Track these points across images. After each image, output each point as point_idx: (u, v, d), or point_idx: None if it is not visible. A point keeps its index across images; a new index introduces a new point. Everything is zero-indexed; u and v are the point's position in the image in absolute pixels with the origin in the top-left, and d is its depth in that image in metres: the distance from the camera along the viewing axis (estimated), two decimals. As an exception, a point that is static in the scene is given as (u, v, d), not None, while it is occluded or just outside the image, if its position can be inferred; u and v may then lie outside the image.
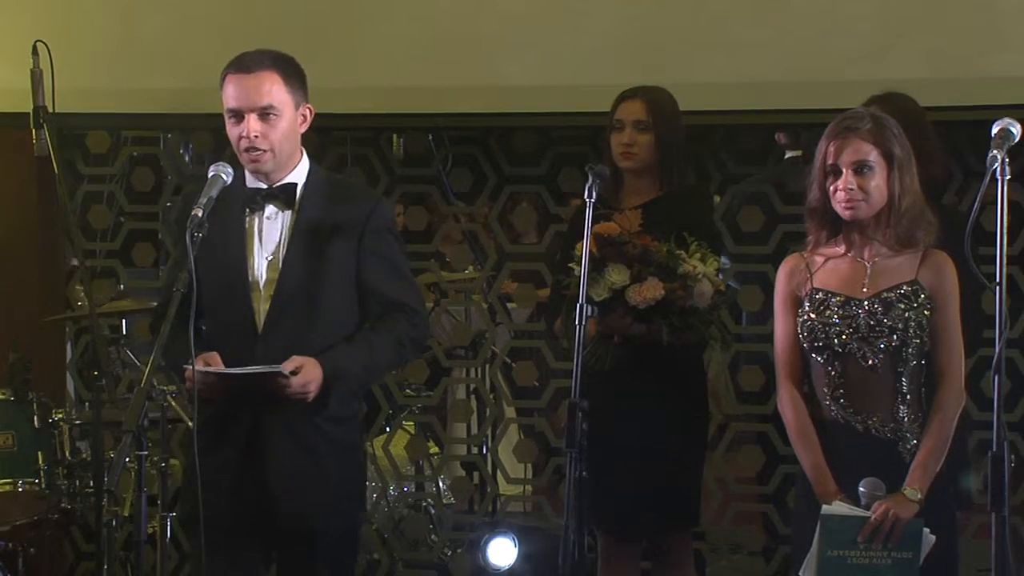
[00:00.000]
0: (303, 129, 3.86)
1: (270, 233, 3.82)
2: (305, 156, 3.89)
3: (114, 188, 5.92)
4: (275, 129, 3.77)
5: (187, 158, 6.25)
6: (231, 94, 3.78)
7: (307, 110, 3.86)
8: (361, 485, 4.05)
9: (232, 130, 3.80)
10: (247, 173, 3.84)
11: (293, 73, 3.83)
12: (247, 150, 3.77)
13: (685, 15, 5.24)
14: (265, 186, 3.82)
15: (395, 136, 6.20)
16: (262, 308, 3.79)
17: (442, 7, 5.39)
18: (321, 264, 3.80)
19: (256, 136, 3.75)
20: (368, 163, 5.90)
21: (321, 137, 5.85)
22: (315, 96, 5.32)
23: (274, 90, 3.77)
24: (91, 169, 5.95)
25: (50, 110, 4.82)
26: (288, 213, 3.83)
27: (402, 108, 5.47)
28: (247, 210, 3.82)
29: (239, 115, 3.77)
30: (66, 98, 4.82)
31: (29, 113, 4.85)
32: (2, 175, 5.84)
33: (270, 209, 3.83)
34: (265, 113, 3.76)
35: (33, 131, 4.83)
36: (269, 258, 3.81)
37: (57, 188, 4.87)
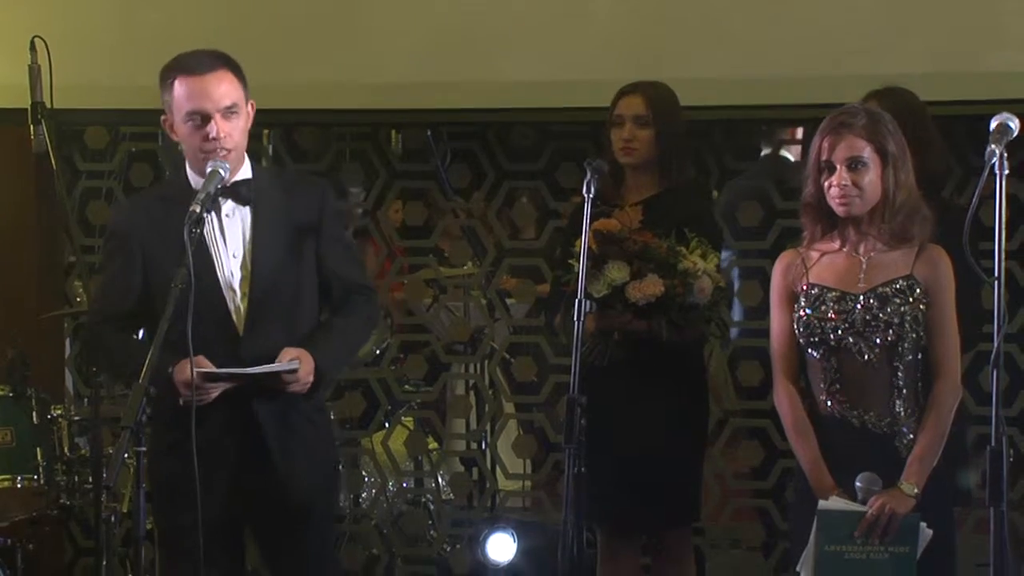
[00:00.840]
0: (249, 125, 3.86)
1: (232, 231, 3.81)
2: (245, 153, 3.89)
3: (112, 184, 5.91)
4: (237, 128, 3.78)
5: (185, 155, 6.23)
6: (188, 96, 3.74)
7: (251, 106, 3.86)
8: (338, 471, 4.20)
9: (194, 133, 3.75)
10: (190, 175, 3.80)
11: (239, 70, 3.83)
12: (214, 151, 3.73)
13: (684, 10, 5.23)
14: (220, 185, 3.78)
15: (394, 132, 6.20)
16: (241, 308, 3.79)
17: (441, 3, 5.38)
18: (288, 255, 3.83)
19: (225, 136, 3.74)
20: (367, 159, 5.89)
21: (320, 133, 5.86)
22: (314, 92, 5.38)
23: (232, 89, 3.77)
24: (89, 165, 5.94)
25: (48, 106, 4.81)
26: (246, 209, 3.82)
27: (401, 104, 5.47)
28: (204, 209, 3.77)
29: (203, 117, 3.73)
30: (64, 94, 4.81)
31: (27, 109, 4.84)
32: (0, 171, 5.83)
33: (228, 206, 3.81)
34: (229, 112, 3.75)
35: (31, 127, 4.83)
36: (237, 257, 3.81)
37: (55, 184, 4.86)
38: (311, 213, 3.86)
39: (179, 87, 3.76)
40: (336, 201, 4.03)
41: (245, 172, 3.85)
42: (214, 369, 3.64)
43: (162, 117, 3.84)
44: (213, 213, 3.78)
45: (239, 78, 3.80)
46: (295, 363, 3.69)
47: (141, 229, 3.83)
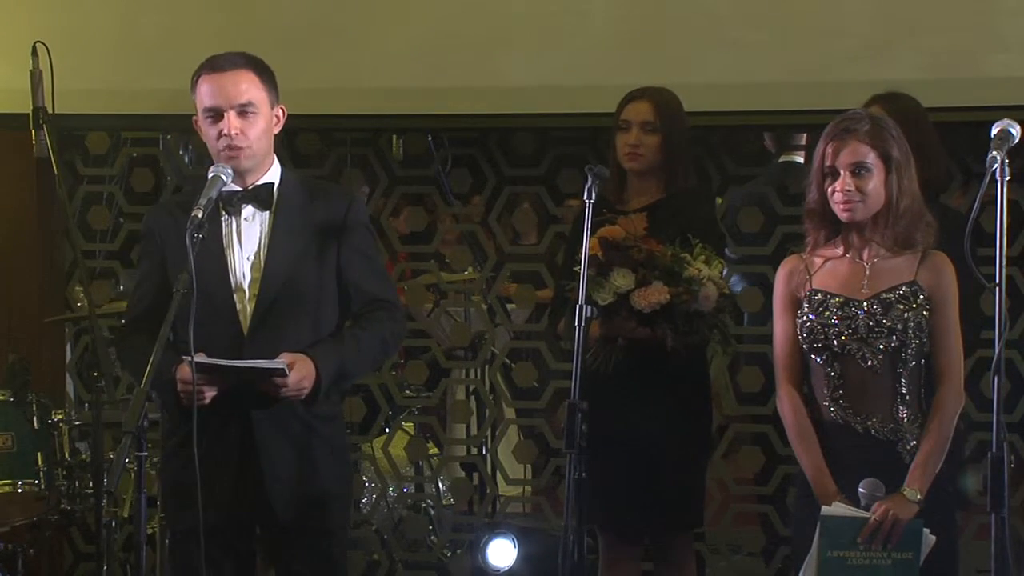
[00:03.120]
0: (276, 130, 3.87)
1: (249, 235, 3.81)
2: (275, 157, 3.89)
3: (113, 189, 5.92)
4: (254, 127, 3.77)
5: (187, 159, 6.24)
6: (207, 93, 3.78)
7: (280, 111, 3.87)
8: (351, 484, 4.10)
9: (210, 130, 3.78)
10: None
11: (266, 73, 3.84)
12: (227, 147, 3.75)
13: (685, 15, 5.23)
14: (239, 188, 3.80)
15: (395, 137, 6.20)
16: (247, 309, 3.79)
17: (442, 8, 5.38)
18: (304, 262, 3.82)
19: (236, 133, 3.74)
20: (368, 164, 5.90)
21: (321, 138, 5.86)
22: (315, 97, 5.37)
23: (251, 88, 3.78)
24: (90, 170, 5.95)
25: (50, 111, 4.82)
26: (266, 214, 3.82)
27: (402, 109, 5.47)
28: (223, 213, 3.79)
29: (218, 113, 3.76)
30: (66, 99, 4.81)
31: (29, 114, 4.85)
32: (2, 176, 5.84)
33: (248, 210, 3.81)
34: (244, 110, 3.76)
35: (33, 132, 4.83)
36: (250, 259, 3.80)
37: (57, 189, 4.87)
38: (334, 222, 3.85)
39: (201, 84, 3.80)
40: (364, 213, 4.00)
41: (271, 176, 3.85)
42: (205, 360, 3.61)
43: (194, 117, 3.87)
44: (232, 216, 3.80)
45: (263, 80, 3.81)
46: (282, 362, 3.66)
47: (164, 232, 3.85)
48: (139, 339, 3.84)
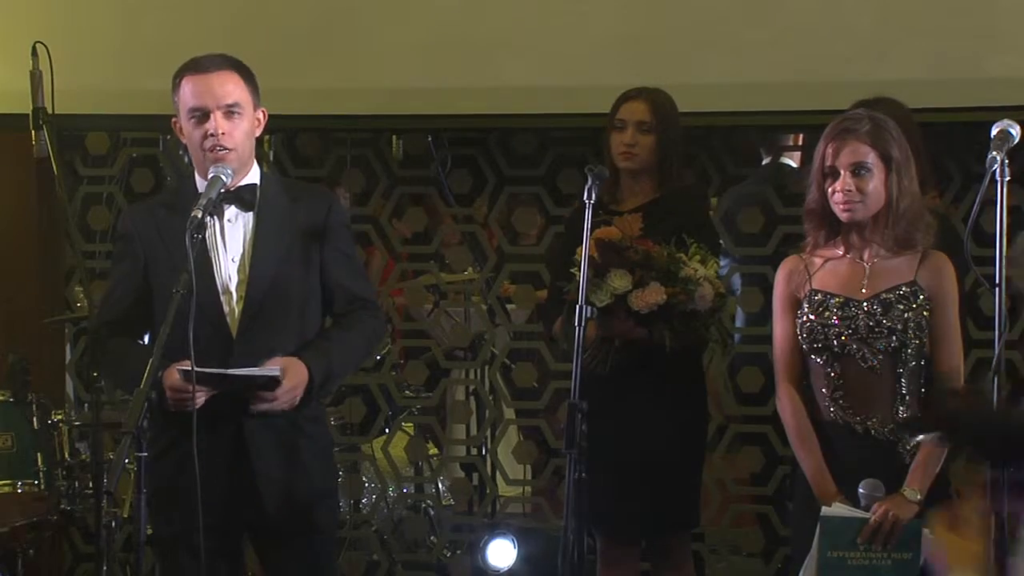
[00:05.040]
0: (258, 133, 3.86)
1: (233, 236, 3.80)
2: (254, 159, 3.89)
3: (113, 189, 5.92)
4: (239, 128, 3.76)
5: (186, 159, 6.22)
6: (192, 93, 3.76)
7: (261, 114, 3.86)
8: (336, 483, 4.10)
9: (195, 131, 3.76)
10: (198, 182, 3.79)
11: (249, 75, 3.83)
12: (212, 148, 3.74)
13: (685, 16, 5.24)
14: (222, 189, 3.77)
15: (394, 137, 6.20)
16: (235, 311, 3.77)
17: (442, 9, 5.39)
18: (288, 263, 3.81)
19: (223, 133, 3.73)
20: (367, 164, 5.90)
21: (321, 138, 5.87)
22: (315, 97, 5.38)
23: (236, 89, 3.77)
24: (90, 170, 5.95)
25: (50, 111, 4.81)
26: (249, 215, 3.81)
27: (402, 109, 5.47)
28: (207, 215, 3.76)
29: (204, 114, 3.74)
30: (65, 99, 4.80)
31: (29, 114, 4.84)
32: (2, 176, 5.84)
33: (231, 212, 3.80)
34: (230, 111, 3.75)
35: (33, 132, 4.83)
36: (236, 261, 3.79)
37: (57, 189, 4.86)
38: (316, 222, 3.85)
39: (185, 85, 3.78)
40: (344, 213, 4.01)
41: (252, 177, 3.84)
42: (195, 369, 3.57)
43: (173, 119, 3.85)
44: (215, 217, 3.77)
45: (247, 81, 3.80)
46: (276, 369, 3.66)
47: (146, 233, 3.83)
48: (114, 342, 3.83)
